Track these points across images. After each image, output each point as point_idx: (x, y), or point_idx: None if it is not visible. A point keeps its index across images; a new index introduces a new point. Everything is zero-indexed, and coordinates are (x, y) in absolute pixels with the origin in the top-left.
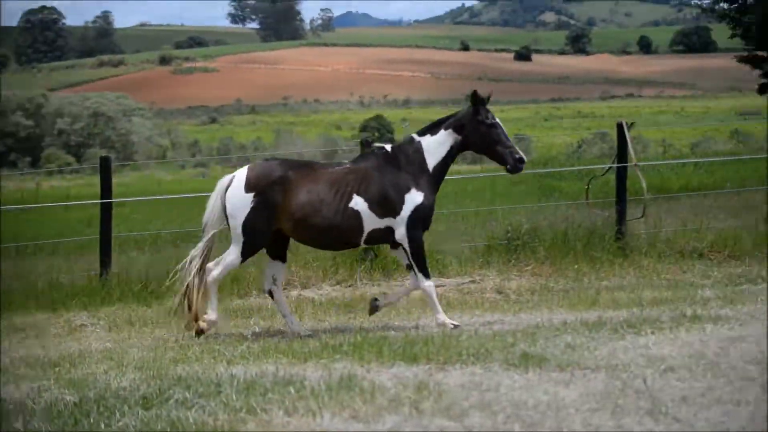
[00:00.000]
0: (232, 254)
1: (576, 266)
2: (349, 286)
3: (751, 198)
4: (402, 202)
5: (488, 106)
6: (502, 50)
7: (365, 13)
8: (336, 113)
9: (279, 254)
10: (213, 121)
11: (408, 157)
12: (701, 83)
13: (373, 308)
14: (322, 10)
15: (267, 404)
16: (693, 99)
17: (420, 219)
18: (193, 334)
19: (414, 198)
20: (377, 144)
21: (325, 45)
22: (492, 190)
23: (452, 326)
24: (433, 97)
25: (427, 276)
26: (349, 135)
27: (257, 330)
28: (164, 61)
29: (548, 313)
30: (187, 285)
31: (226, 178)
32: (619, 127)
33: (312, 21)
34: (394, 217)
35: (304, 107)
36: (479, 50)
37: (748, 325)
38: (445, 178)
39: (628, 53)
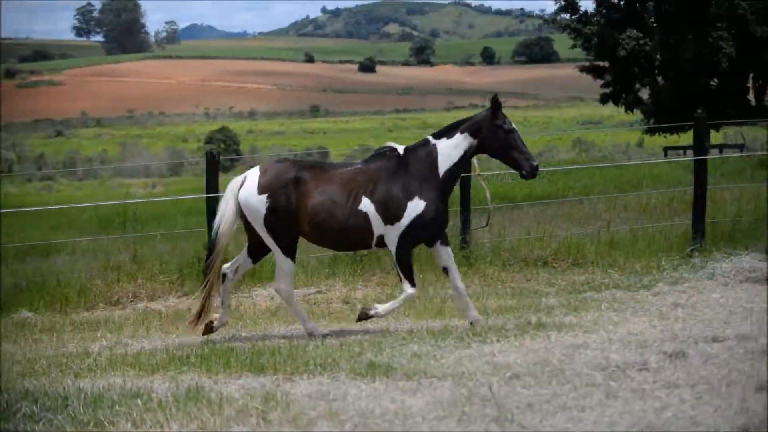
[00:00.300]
0: (279, 260)
1: (421, 276)
2: (196, 298)
3: (594, 206)
4: (403, 209)
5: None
6: (347, 62)
7: (210, 26)
8: (182, 125)
9: (255, 254)
10: (59, 134)
11: (419, 161)
12: (543, 93)
13: (363, 316)
14: (166, 22)
15: (114, 417)
16: (535, 109)
17: (418, 227)
18: (200, 334)
19: (416, 206)
20: (388, 144)
21: (170, 57)
22: None
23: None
24: (279, 108)
25: (412, 284)
26: (195, 147)
27: (104, 343)
28: (9, 74)
29: (395, 322)
30: (209, 287)
31: (237, 180)
32: None
33: (157, 34)
34: (393, 225)
35: (149, 120)
36: (324, 62)
37: (592, 332)
38: None
39: (472, 64)
